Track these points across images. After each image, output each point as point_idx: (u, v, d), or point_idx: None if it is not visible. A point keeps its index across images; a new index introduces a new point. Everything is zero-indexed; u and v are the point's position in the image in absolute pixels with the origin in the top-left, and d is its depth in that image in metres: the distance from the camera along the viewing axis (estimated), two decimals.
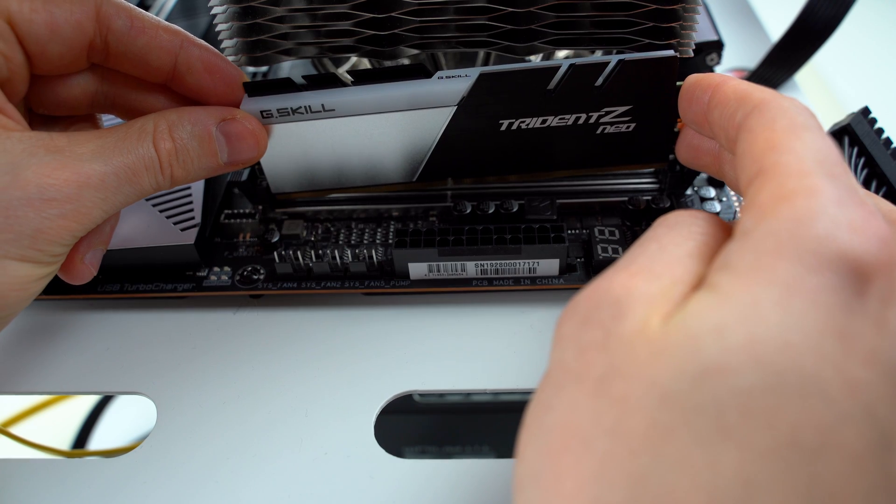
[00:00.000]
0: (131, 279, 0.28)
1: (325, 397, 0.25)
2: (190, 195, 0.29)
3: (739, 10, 0.47)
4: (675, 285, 0.15)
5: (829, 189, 0.14)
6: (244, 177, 0.29)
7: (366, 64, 0.34)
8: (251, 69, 0.37)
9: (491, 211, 0.28)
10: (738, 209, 0.29)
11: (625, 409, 0.13)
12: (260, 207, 0.30)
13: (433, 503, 0.22)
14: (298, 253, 0.27)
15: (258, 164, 0.26)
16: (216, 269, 0.28)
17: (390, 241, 0.28)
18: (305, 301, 0.28)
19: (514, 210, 0.28)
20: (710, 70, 0.34)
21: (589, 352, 0.14)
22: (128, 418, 0.57)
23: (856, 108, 0.28)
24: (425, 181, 0.28)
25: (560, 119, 0.26)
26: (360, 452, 0.23)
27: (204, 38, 0.24)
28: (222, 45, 0.26)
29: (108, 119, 0.28)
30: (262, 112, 0.25)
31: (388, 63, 0.31)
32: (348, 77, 0.25)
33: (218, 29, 0.26)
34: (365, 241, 0.29)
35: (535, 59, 0.29)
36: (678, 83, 0.23)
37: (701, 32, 0.32)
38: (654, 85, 0.25)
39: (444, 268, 0.26)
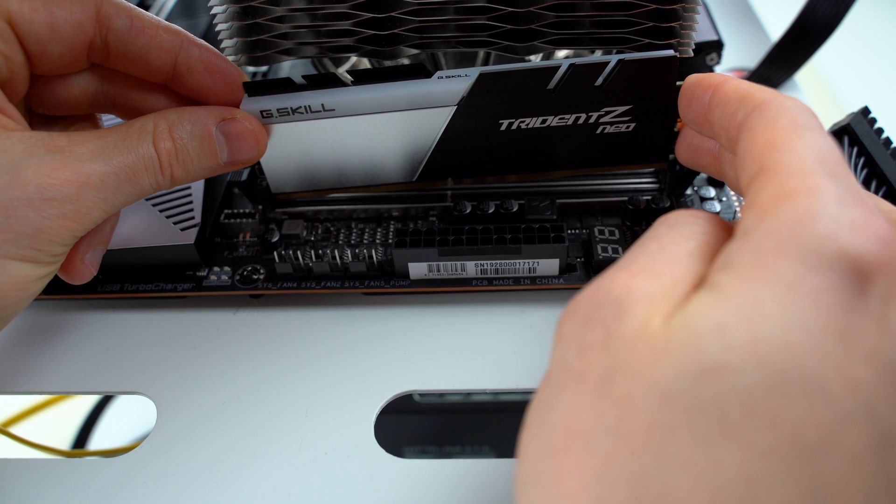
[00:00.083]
0: (131, 279, 0.28)
1: (325, 397, 0.25)
2: (190, 195, 0.29)
3: (739, 10, 0.47)
4: (676, 285, 0.14)
5: (831, 188, 0.14)
6: (244, 177, 0.29)
7: (366, 64, 0.34)
8: (251, 69, 0.37)
9: (491, 211, 0.28)
10: (737, 209, 0.29)
11: (626, 409, 0.13)
12: (260, 207, 0.30)
13: (433, 503, 0.22)
14: (298, 253, 0.27)
15: (258, 163, 0.26)
16: (216, 268, 0.28)
17: (390, 241, 0.28)
18: (305, 301, 0.28)
19: (514, 210, 0.28)
20: (710, 70, 0.34)
21: (590, 351, 0.14)
22: (128, 418, 0.57)
23: (856, 108, 0.28)
24: (425, 181, 0.28)
25: (560, 119, 0.26)
26: (360, 452, 0.23)
27: (204, 37, 0.24)
28: (222, 45, 0.26)
29: (108, 119, 0.28)
30: (262, 112, 0.25)
31: (388, 63, 0.31)
32: (348, 77, 0.25)
33: (218, 29, 0.26)
34: (365, 241, 0.29)
35: (535, 59, 0.29)
36: (678, 83, 0.23)
37: (701, 32, 0.32)
38: (654, 85, 0.25)
39: (444, 268, 0.26)
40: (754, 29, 0.45)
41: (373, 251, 0.27)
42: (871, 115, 0.27)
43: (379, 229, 0.29)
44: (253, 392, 0.25)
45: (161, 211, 0.28)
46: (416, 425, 0.43)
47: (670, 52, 0.24)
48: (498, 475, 0.22)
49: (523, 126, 0.26)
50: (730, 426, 0.12)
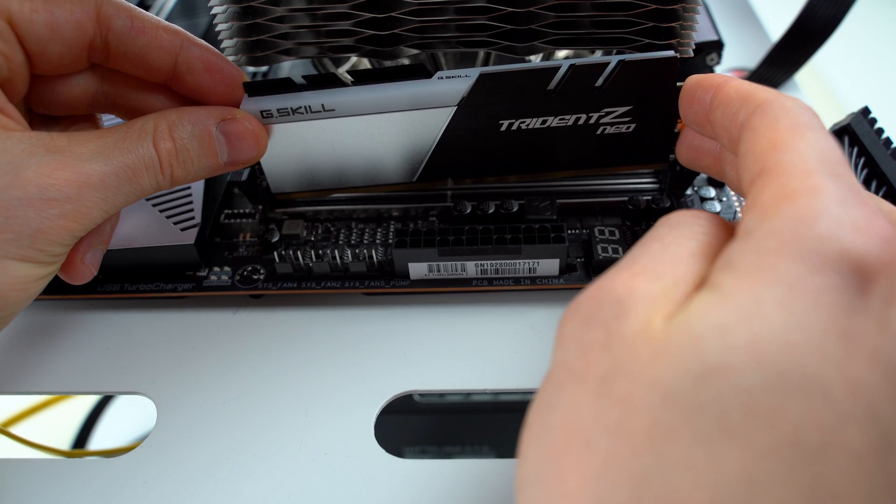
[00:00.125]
0: (131, 279, 0.28)
1: (325, 397, 0.25)
2: (190, 195, 0.29)
3: (739, 10, 0.47)
4: (678, 285, 0.14)
5: (832, 189, 0.14)
6: (244, 177, 0.29)
7: (366, 64, 0.34)
8: (251, 69, 0.37)
9: (491, 211, 0.28)
10: (738, 209, 0.29)
11: (627, 409, 0.13)
12: (260, 207, 0.30)
13: (433, 503, 0.22)
14: (298, 253, 0.27)
15: (258, 164, 0.26)
16: (216, 269, 0.28)
17: (390, 241, 0.28)
18: (305, 301, 0.28)
19: (514, 210, 0.28)
20: (711, 70, 0.34)
21: (591, 351, 0.14)
22: (128, 418, 0.57)
23: (856, 108, 0.28)
24: (425, 181, 0.28)
25: (560, 119, 0.26)
26: (360, 452, 0.23)
27: (204, 38, 0.24)
28: (222, 45, 0.26)
29: (108, 119, 0.28)
30: (262, 112, 0.25)
31: (388, 63, 0.31)
32: (348, 77, 0.25)
33: (218, 29, 0.26)
34: (365, 241, 0.29)
35: (535, 59, 0.29)
36: (678, 83, 0.23)
37: (701, 32, 0.32)
38: (655, 85, 0.25)
39: (444, 268, 0.26)
40: (754, 29, 0.45)
41: (373, 251, 0.27)
42: (871, 115, 0.27)
43: (379, 229, 0.29)
44: (253, 392, 0.25)
45: (161, 211, 0.28)
46: (416, 425, 0.43)
47: (670, 53, 0.24)
48: (498, 475, 0.22)
49: (523, 126, 0.26)
50: (730, 426, 0.12)
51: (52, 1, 0.21)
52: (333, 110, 0.25)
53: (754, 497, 0.12)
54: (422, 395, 0.41)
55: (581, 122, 0.26)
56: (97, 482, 0.23)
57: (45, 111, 0.24)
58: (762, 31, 0.45)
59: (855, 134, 0.27)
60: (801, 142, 0.15)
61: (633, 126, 0.26)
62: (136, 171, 0.21)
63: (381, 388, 0.25)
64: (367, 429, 0.24)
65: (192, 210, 0.28)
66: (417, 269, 0.26)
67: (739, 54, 0.42)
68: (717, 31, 0.34)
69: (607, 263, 0.26)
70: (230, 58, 0.26)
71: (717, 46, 0.33)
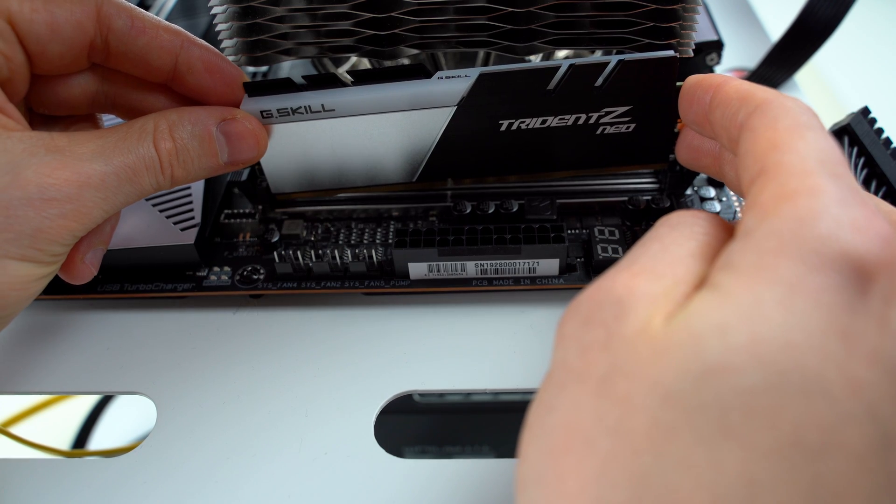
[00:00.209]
0: (131, 279, 0.28)
1: (325, 397, 0.25)
2: (190, 195, 0.29)
3: (739, 10, 0.47)
4: (678, 285, 0.15)
5: (832, 189, 0.14)
6: (244, 177, 0.29)
7: (366, 64, 0.34)
8: (251, 69, 0.37)
9: (491, 211, 0.28)
10: (737, 209, 0.29)
11: (627, 409, 0.13)
12: (260, 207, 0.30)
13: (433, 503, 0.22)
14: (298, 253, 0.27)
15: (258, 164, 0.26)
16: (216, 269, 0.28)
17: (390, 241, 0.28)
18: (305, 301, 0.28)
19: (514, 210, 0.28)
20: (710, 70, 0.34)
21: (591, 351, 0.14)
22: (128, 418, 0.57)
23: (856, 108, 0.28)
24: (425, 181, 0.28)
25: (560, 119, 0.26)
26: (360, 452, 0.23)
27: (204, 37, 0.24)
28: (222, 45, 0.26)
29: (108, 119, 0.28)
30: (262, 112, 0.25)
31: (388, 63, 0.31)
32: (348, 77, 0.25)
33: (218, 29, 0.26)
34: (365, 241, 0.29)
35: (535, 59, 0.29)
36: (678, 83, 0.23)
37: (701, 32, 0.32)
38: (654, 85, 0.25)
39: (444, 268, 0.26)
40: (754, 29, 0.45)
41: (373, 251, 0.27)
42: (871, 115, 0.27)
43: (379, 229, 0.29)
44: (253, 392, 0.25)
45: (161, 211, 0.28)
46: (416, 425, 0.43)
47: (670, 53, 0.24)
48: (498, 475, 0.22)
49: (523, 126, 0.26)
50: (731, 426, 0.12)
51: (52, 1, 0.21)
52: (333, 110, 0.25)
53: (755, 497, 0.12)
54: (422, 395, 0.41)
55: (581, 121, 0.26)
56: (97, 482, 0.23)
57: (45, 111, 0.24)
58: (762, 31, 0.45)
59: (855, 134, 0.27)
60: (801, 142, 0.15)
61: (632, 126, 0.26)
62: (137, 170, 0.21)
63: (381, 388, 0.25)
64: (367, 429, 0.24)
65: (192, 210, 0.28)
66: (417, 269, 0.26)
67: (739, 54, 0.42)
68: (717, 31, 0.34)
69: (607, 263, 0.26)
70: (230, 58, 0.26)
71: (717, 46, 0.33)
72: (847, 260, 0.13)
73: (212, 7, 0.25)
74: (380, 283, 0.27)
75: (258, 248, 0.29)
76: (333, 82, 0.25)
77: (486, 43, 0.26)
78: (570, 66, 0.24)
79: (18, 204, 0.19)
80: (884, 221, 0.13)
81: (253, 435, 0.24)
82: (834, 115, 0.30)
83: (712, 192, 0.29)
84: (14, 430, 0.30)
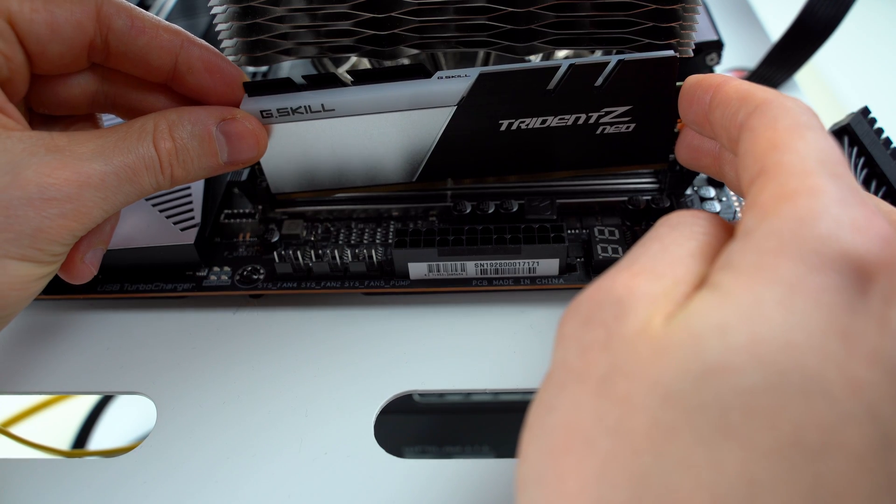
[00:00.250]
0: (131, 279, 0.28)
1: (325, 397, 0.25)
2: (190, 195, 0.29)
3: (739, 10, 0.47)
4: (678, 285, 0.14)
5: (832, 189, 0.14)
6: (244, 177, 0.29)
7: (366, 64, 0.34)
8: (251, 69, 0.37)
9: (491, 211, 0.28)
10: (737, 209, 0.29)
11: (627, 409, 0.13)
12: (260, 207, 0.30)
13: (433, 503, 0.22)
14: (298, 253, 0.27)
15: (258, 163, 0.26)
16: (216, 268, 0.28)
17: (390, 241, 0.28)
18: (305, 301, 0.28)
19: (514, 210, 0.28)
20: (710, 70, 0.34)
21: (591, 351, 0.14)
22: (128, 418, 0.57)
23: (856, 108, 0.28)
24: (425, 181, 0.28)
25: (560, 119, 0.26)
26: (360, 452, 0.23)
27: (204, 37, 0.24)
28: (222, 45, 0.26)
29: (108, 119, 0.28)
30: (262, 112, 0.25)
31: (387, 63, 0.31)
32: (348, 77, 0.25)
33: (218, 29, 0.26)
34: (365, 241, 0.29)
35: (535, 59, 0.29)
36: (678, 83, 0.23)
37: (701, 32, 0.32)
38: (654, 85, 0.25)
39: (444, 268, 0.26)
40: (754, 29, 0.45)
41: (373, 251, 0.27)
42: (871, 115, 0.27)
43: (379, 229, 0.29)
44: (253, 392, 0.25)
45: (161, 211, 0.28)
46: (416, 425, 0.43)
47: (670, 53, 0.24)
48: (498, 475, 0.22)
49: (523, 126, 0.26)
50: (731, 426, 0.12)
51: (52, 1, 0.21)
52: (333, 110, 0.25)
53: (755, 497, 0.12)
54: (422, 394, 0.41)
55: (581, 121, 0.26)
56: (97, 482, 0.23)
57: (45, 111, 0.24)
58: (762, 31, 0.45)
59: (855, 134, 0.27)
60: (801, 142, 0.15)
61: (632, 126, 0.26)
62: (137, 170, 0.21)
63: (381, 387, 0.25)
64: (367, 429, 0.24)
65: (191, 210, 0.28)
66: (417, 269, 0.26)
67: (739, 54, 0.42)
68: (716, 31, 0.34)
69: (607, 263, 0.26)
70: (230, 58, 0.26)
71: (716, 46, 0.33)
72: (847, 260, 0.13)
73: (212, 7, 0.25)
74: (380, 283, 0.27)
75: (258, 248, 0.29)
76: (333, 82, 0.25)
77: (486, 43, 0.26)
78: (570, 65, 0.24)
79: (18, 204, 0.19)
80: (884, 221, 0.13)
81: (253, 435, 0.24)
82: (834, 115, 0.30)
83: (712, 192, 0.29)
84: (14, 430, 0.30)
